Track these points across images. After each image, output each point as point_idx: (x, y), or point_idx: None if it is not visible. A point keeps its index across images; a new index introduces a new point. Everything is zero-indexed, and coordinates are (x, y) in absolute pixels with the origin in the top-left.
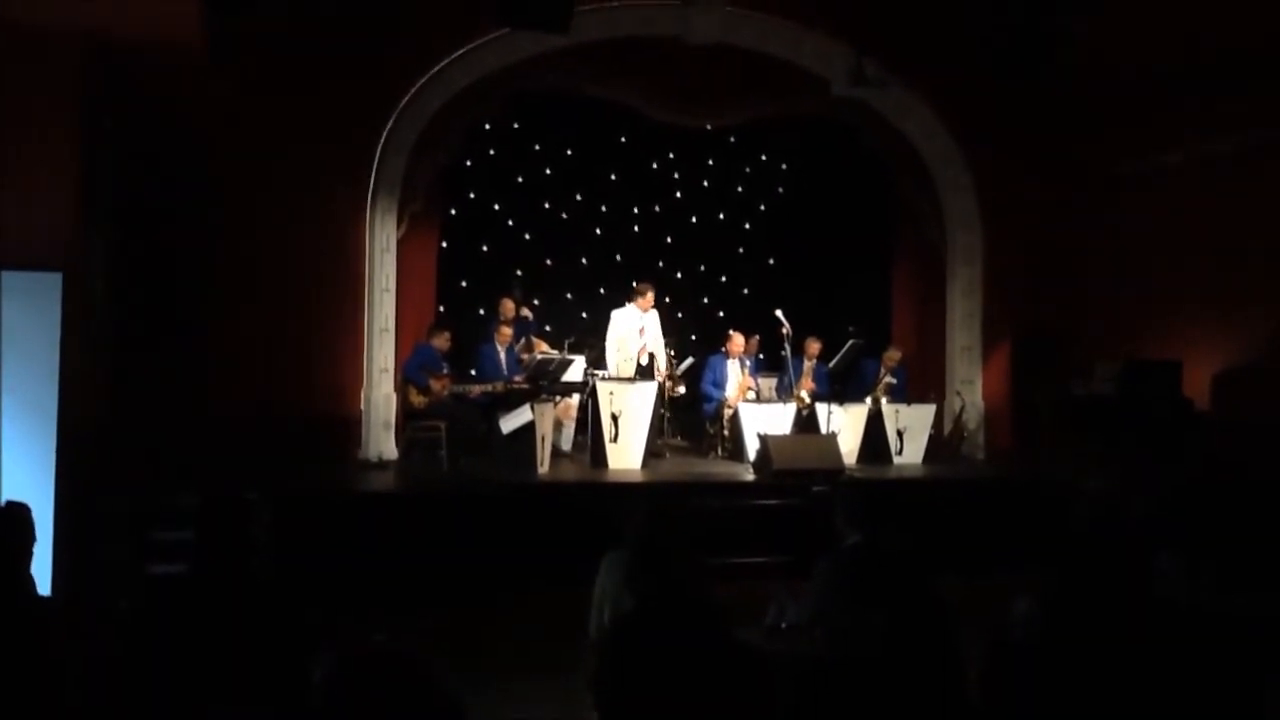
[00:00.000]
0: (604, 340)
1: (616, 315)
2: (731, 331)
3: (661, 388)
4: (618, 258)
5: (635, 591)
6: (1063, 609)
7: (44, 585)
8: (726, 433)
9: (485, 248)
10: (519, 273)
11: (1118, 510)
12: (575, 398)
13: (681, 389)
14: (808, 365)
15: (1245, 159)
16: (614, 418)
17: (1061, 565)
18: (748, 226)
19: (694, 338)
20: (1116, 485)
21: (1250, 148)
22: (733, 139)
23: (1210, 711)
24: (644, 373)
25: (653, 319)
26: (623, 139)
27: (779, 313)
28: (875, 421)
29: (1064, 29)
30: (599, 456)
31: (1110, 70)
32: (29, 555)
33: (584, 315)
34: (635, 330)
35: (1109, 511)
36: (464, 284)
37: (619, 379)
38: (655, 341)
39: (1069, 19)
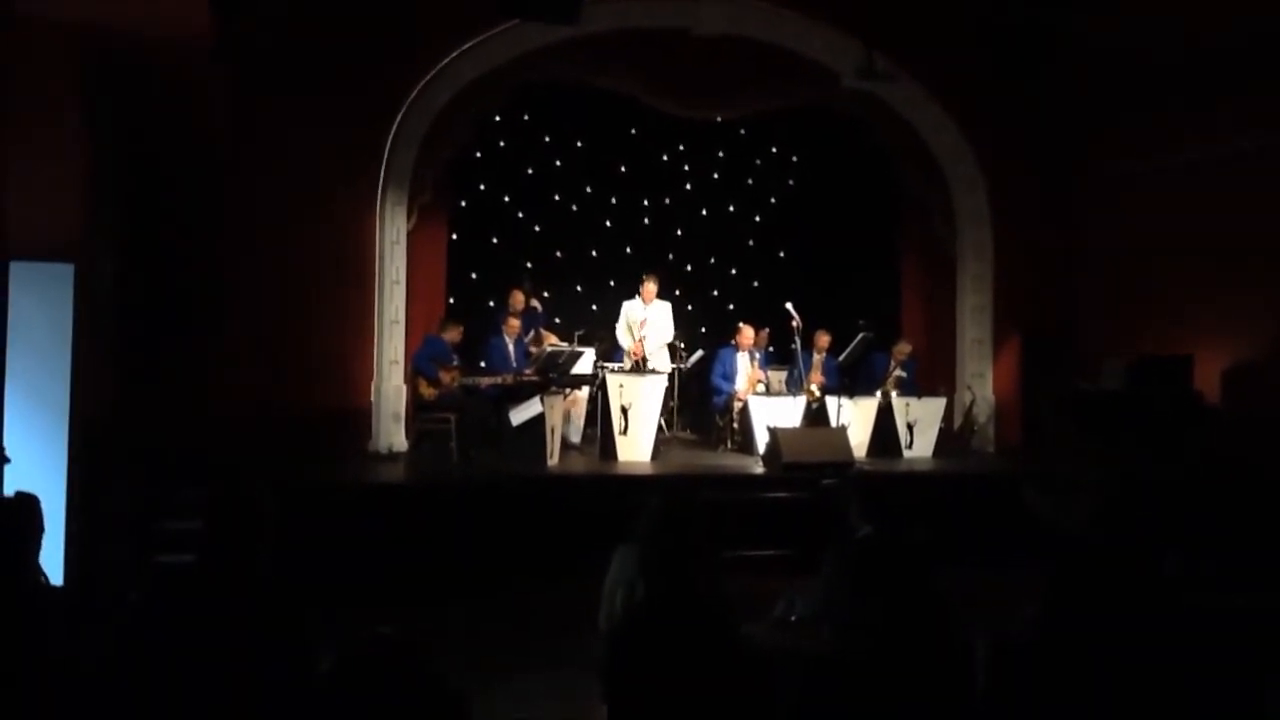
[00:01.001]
0: (614, 332)
1: (625, 306)
2: (741, 324)
3: (672, 379)
4: (628, 250)
5: (647, 584)
6: (1064, 607)
7: (55, 577)
8: (736, 425)
9: (495, 240)
10: (529, 265)
11: (1115, 509)
12: (585, 390)
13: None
14: (817, 358)
15: (1253, 157)
16: (623, 410)
17: (1060, 563)
18: (758, 219)
19: (704, 330)
20: (1113, 484)
21: (1258, 147)
22: (742, 131)
23: (1211, 709)
24: (637, 367)
25: (657, 310)
26: (632, 131)
27: (789, 306)
28: (885, 415)
29: (1067, 26)
30: (608, 449)
31: (1117, 68)
32: (38, 545)
33: (594, 307)
34: (636, 322)
35: (1106, 510)
36: (474, 276)
37: (628, 371)
38: (661, 333)
39: (1072, 16)
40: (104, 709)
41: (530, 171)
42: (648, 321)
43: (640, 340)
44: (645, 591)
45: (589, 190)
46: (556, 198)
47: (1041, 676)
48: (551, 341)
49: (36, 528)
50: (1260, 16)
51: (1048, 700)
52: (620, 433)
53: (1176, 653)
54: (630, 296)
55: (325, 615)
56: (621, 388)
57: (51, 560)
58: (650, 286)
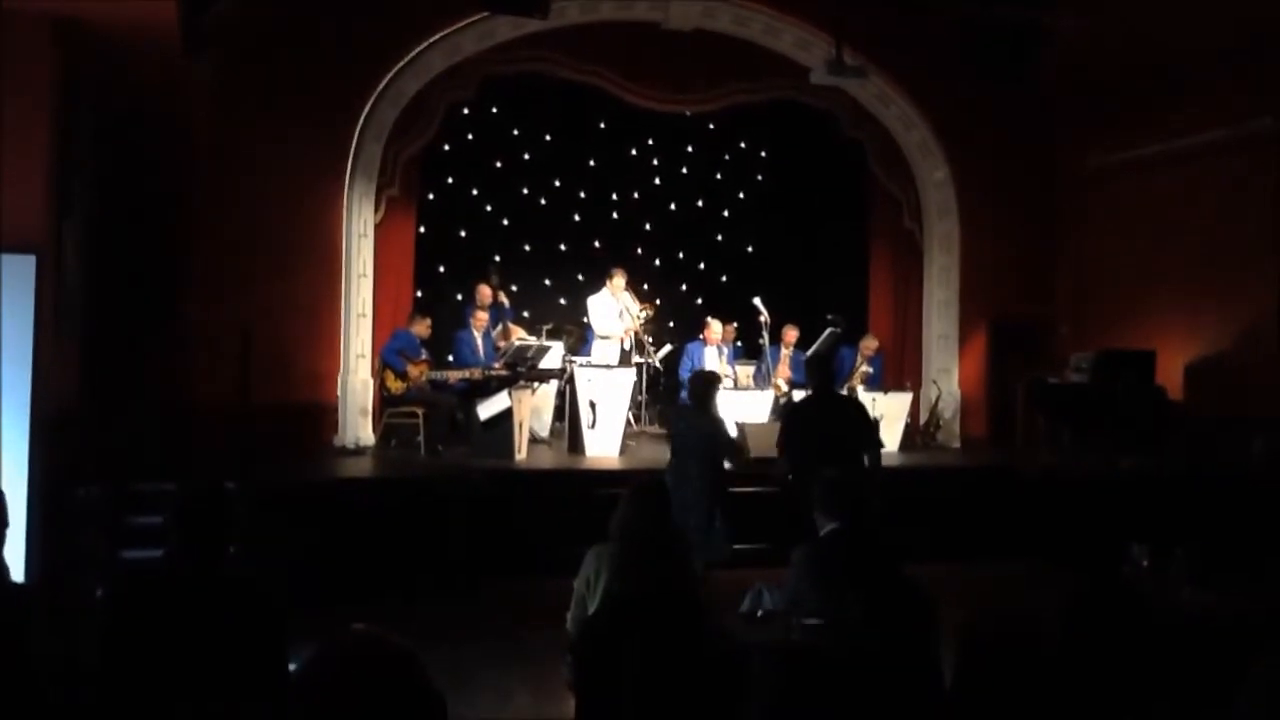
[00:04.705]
0: (583, 327)
1: (592, 302)
2: (709, 319)
3: (641, 370)
4: (596, 244)
5: (620, 578)
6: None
7: (19, 572)
8: None
9: (463, 233)
10: (496, 258)
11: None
12: (553, 384)
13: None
14: (785, 353)
15: (1216, 153)
16: (591, 405)
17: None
18: (726, 213)
19: (672, 325)
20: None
21: (1221, 143)
22: (712, 125)
23: (1176, 707)
24: (627, 357)
25: (628, 302)
26: (601, 124)
27: (757, 300)
28: None
29: (1043, 27)
30: (576, 443)
31: (1086, 67)
32: (1, 540)
33: (562, 301)
34: (615, 314)
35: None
36: (441, 269)
37: (598, 365)
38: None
39: (1049, 17)
40: (71, 707)
41: (498, 164)
42: (625, 313)
43: (628, 330)
44: (619, 585)
45: (557, 184)
46: (525, 191)
47: (1013, 671)
48: (519, 335)
49: (0, 521)
50: (1224, 18)
51: (1018, 695)
52: (589, 427)
53: (1148, 650)
54: (594, 291)
55: (293, 612)
56: (590, 382)
57: (15, 556)
58: (619, 280)
